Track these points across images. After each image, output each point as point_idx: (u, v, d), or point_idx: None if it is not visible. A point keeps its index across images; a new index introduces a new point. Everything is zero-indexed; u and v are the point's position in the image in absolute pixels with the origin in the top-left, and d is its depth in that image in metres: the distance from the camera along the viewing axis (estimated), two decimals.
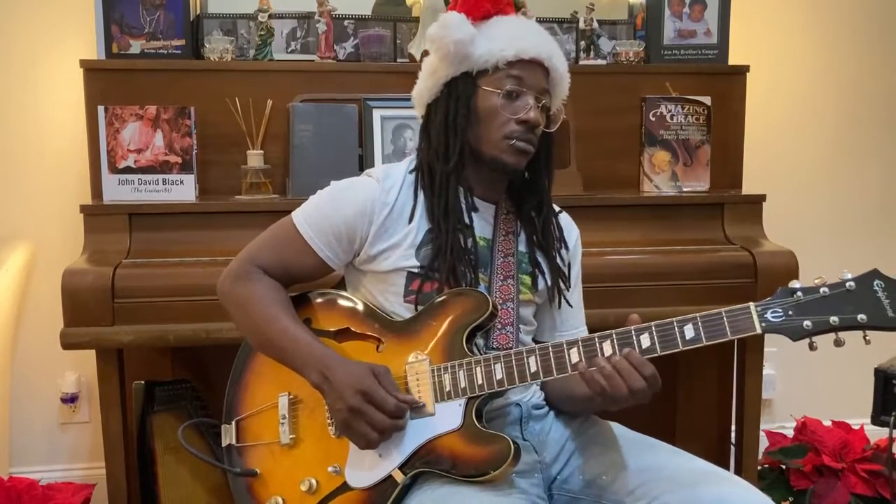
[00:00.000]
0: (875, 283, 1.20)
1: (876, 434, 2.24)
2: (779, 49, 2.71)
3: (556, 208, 1.57)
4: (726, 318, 1.23)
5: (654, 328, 1.26)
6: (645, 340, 1.26)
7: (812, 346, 1.22)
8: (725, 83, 2.38)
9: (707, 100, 2.31)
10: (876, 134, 2.80)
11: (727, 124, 2.38)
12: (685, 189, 2.30)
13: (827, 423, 2.41)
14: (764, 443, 2.33)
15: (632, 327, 1.28)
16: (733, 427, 2.28)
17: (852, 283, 1.20)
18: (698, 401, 2.41)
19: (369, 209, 1.43)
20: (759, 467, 2.30)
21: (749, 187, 2.39)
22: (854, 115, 2.78)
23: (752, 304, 1.23)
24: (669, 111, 2.30)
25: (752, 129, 2.45)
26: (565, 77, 1.51)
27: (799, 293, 1.22)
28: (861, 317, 1.18)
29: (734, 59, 2.43)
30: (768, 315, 1.22)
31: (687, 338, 1.24)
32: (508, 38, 1.43)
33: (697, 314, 1.25)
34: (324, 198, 1.48)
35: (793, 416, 2.48)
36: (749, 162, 2.42)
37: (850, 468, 2.25)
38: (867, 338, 1.19)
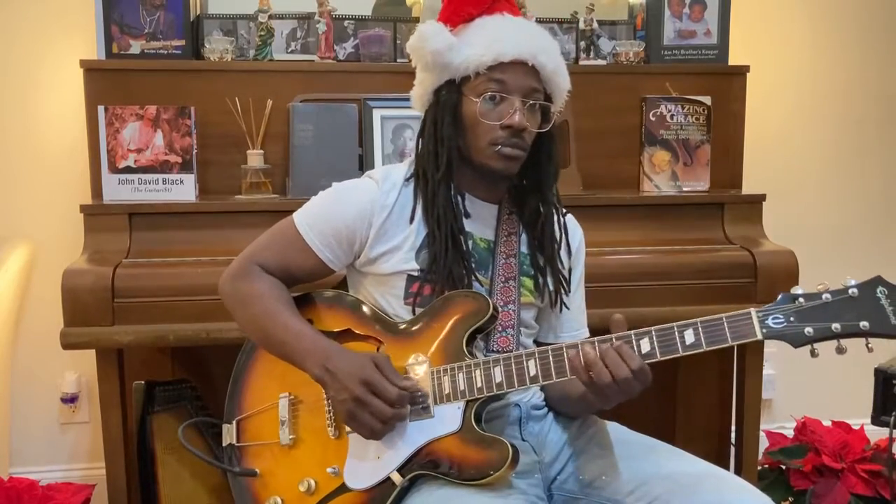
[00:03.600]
0: (878, 289, 1.18)
1: (876, 434, 2.24)
2: (779, 49, 2.71)
3: (563, 210, 1.55)
4: (727, 324, 1.22)
5: (654, 333, 1.25)
6: (645, 345, 1.25)
7: (813, 353, 1.21)
8: (725, 83, 2.38)
9: (707, 100, 2.30)
10: (876, 133, 2.80)
11: (727, 124, 2.38)
12: (685, 189, 2.30)
13: (827, 423, 2.40)
14: (764, 443, 2.33)
15: (632, 332, 1.27)
16: (733, 427, 2.28)
17: (855, 290, 1.19)
18: (698, 401, 2.41)
19: (368, 211, 1.44)
20: (759, 467, 2.30)
21: (749, 187, 2.39)
22: (854, 114, 2.78)
23: (752, 310, 1.22)
24: (669, 111, 2.30)
25: (752, 129, 2.45)
26: (559, 72, 1.46)
27: (801, 299, 1.20)
28: (864, 324, 1.17)
29: (734, 59, 2.43)
30: (769, 321, 1.20)
31: (687, 343, 1.24)
32: (487, 41, 1.40)
33: (698, 319, 1.24)
34: (325, 199, 1.49)
35: (793, 416, 2.48)
36: (749, 162, 2.42)
37: (849, 468, 2.25)
38: (870, 345, 1.18)
